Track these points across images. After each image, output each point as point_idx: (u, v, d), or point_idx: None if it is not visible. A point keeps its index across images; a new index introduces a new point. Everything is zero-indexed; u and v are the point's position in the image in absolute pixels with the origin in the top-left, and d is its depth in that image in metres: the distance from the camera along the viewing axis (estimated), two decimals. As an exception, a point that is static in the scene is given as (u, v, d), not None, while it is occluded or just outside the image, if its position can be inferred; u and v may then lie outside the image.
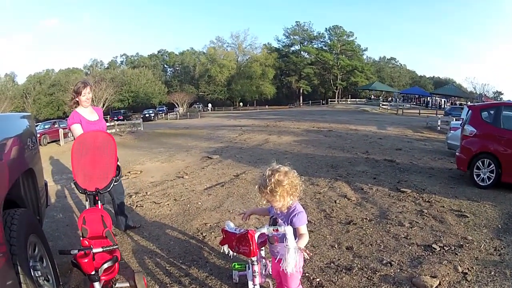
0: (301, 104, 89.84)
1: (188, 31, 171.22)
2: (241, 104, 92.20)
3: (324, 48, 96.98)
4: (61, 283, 3.45)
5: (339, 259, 4.68)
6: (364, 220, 6.18)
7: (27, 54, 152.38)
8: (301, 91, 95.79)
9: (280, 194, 2.99)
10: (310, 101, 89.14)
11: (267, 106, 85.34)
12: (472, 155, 8.80)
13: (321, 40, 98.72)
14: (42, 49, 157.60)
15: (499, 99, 61.56)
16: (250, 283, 3.28)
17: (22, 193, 3.60)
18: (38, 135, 19.58)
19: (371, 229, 5.73)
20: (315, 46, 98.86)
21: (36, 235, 3.28)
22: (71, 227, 6.33)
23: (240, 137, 21.60)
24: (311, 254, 3.39)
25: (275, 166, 3.11)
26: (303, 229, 3.08)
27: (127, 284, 3.89)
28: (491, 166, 8.31)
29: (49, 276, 3.24)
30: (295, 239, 2.95)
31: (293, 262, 2.94)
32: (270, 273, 4.04)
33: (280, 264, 2.97)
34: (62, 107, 69.30)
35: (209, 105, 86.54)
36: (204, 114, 65.53)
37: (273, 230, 3.03)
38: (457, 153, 9.57)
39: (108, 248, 3.20)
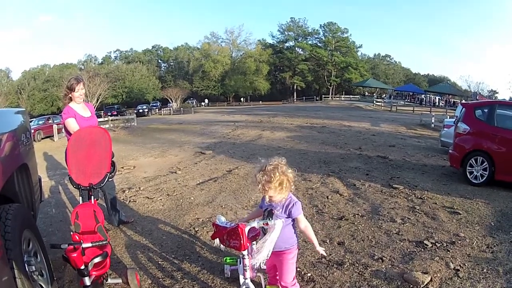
0: (295, 100, 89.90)
1: (182, 26, 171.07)
2: (242, 99, 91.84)
3: (318, 44, 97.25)
4: (55, 278, 3.46)
5: (330, 254, 4.71)
6: (356, 215, 6.22)
7: (21, 50, 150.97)
8: (295, 87, 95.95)
9: (285, 185, 3.05)
10: (304, 97, 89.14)
11: (261, 102, 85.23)
12: (465, 152, 8.86)
13: (316, 36, 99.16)
14: (37, 45, 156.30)
15: (493, 97, 61.80)
16: (241, 277, 3.31)
17: (16, 188, 3.59)
18: (32, 131, 19.55)
19: (363, 225, 5.76)
20: (309, 42, 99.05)
21: (30, 230, 3.28)
22: (65, 222, 6.32)
23: (233, 132, 21.57)
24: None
25: (272, 160, 3.13)
26: (302, 217, 3.19)
27: (120, 280, 3.89)
28: (484, 164, 8.36)
29: (43, 271, 3.24)
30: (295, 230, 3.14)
31: (266, 253, 3.02)
32: (262, 267, 4.07)
33: (257, 255, 3.04)
34: (56, 102, 69.09)
35: (206, 100, 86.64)
36: (198, 109, 65.44)
37: (264, 224, 3.07)
38: (450, 151, 9.63)
39: (98, 243, 3.20)
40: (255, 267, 3.63)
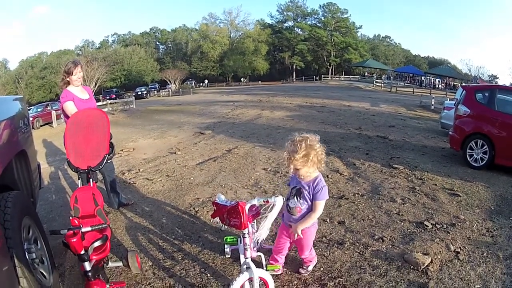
0: (294, 80, 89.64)
1: (180, 7, 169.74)
2: (242, 79, 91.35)
3: (318, 24, 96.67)
4: (56, 265, 3.46)
5: (331, 234, 4.73)
6: (356, 195, 6.22)
7: (18, 42, 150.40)
8: (294, 67, 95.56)
9: (312, 159, 3.06)
10: (303, 77, 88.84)
11: (260, 82, 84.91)
12: (465, 135, 8.85)
13: (315, 16, 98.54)
14: (34, 35, 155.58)
15: (494, 82, 61.63)
16: (241, 257, 3.31)
17: (15, 175, 3.57)
18: (31, 119, 19.50)
19: (363, 204, 5.77)
20: (308, 22, 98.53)
21: (30, 217, 3.26)
22: (65, 208, 6.30)
23: (232, 112, 21.57)
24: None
25: (302, 134, 3.17)
26: (322, 204, 3.21)
27: (120, 263, 3.88)
28: (484, 147, 8.36)
29: (43, 258, 3.23)
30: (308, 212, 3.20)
31: (266, 229, 3.04)
32: (262, 246, 4.07)
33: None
34: (54, 89, 68.85)
35: (206, 81, 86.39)
36: (197, 90, 65.15)
37: (264, 201, 3.06)
38: (450, 132, 9.61)
39: (97, 227, 3.18)
40: (258, 242, 3.64)
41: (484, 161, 8.32)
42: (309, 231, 3.36)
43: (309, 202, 3.23)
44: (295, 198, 3.25)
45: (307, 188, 3.19)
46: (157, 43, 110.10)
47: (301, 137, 3.10)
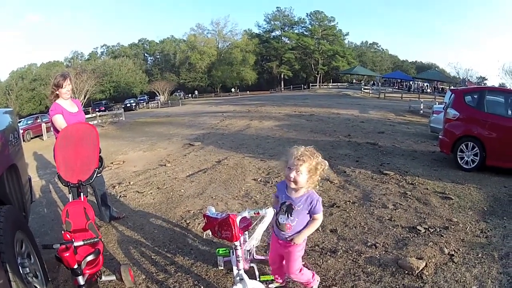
0: (283, 89, 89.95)
1: (168, 19, 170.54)
2: (233, 90, 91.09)
3: (305, 33, 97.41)
4: (49, 279, 3.44)
5: (323, 242, 4.72)
6: (348, 202, 6.23)
7: (8, 51, 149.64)
8: (282, 76, 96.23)
9: (313, 175, 3.08)
10: (291, 86, 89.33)
11: (248, 92, 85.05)
12: (455, 138, 8.94)
13: (302, 25, 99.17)
14: (24, 45, 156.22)
15: (482, 84, 62.15)
16: (234, 268, 3.30)
17: (6, 189, 3.56)
18: (22, 131, 19.37)
19: (354, 212, 5.78)
20: (296, 31, 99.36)
21: (23, 231, 3.24)
22: (57, 222, 6.25)
23: (221, 123, 21.53)
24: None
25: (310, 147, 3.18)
26: (321, 214, 3.19)
27: (114, 277, 3.85)
28: (475, 149, 8.45)
29: (37, 273, 3.21)
30: (305, 226, 3.18)
31: (256, 239, 3.03)
32: (255, 257, 4.07)
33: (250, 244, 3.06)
34: (44, 101, 68.89)
35: (196, 92, 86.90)
36: (186, 101, 65.19)
37: (255, 213, 3.06)
38: (440, 136, 9.70)
39: (89, 241, 3.17)
40: (249, 253, 3.64)
41: (475, 163, 8.41)
42: (299, 246, 3.29)
43: (300, 218, 3.19)
44: (286, 214, 3.21)
45: (300, 204, 3.16)
46: (146, 54, 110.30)
47: (312, 150, 3.13)
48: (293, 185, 3.10)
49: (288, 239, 3.23)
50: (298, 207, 3.15)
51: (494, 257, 4.16)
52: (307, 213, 3.17)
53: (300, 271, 3.38)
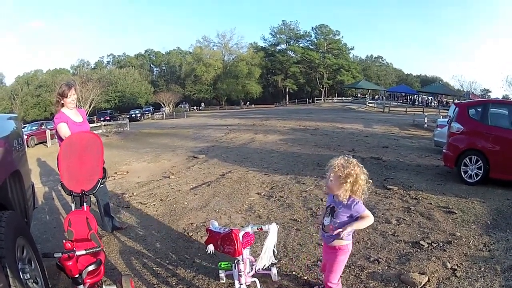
0: (287, 103, 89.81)
1: (175, 30, 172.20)
2: (242, 103, 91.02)
3: (310, 47, 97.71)
4: (49, 286, 3.43)
5: (325, 257, 4.70)
6: (351, 217, 6.20)
7: (15, 55, 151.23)
8: (287, 89, 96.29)
9: (360, 183, 3.17)
10: (296, 100, 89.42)
11: (253, 105, 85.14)
12: (459, 152, 8.90)
13: (308, 39, 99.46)
14: (31, 50, 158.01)
15: (486, 96, 62.21)
16: (236, 283, 3.30)
17: (9, 195, 3.56)
18: (26, 137, 19.41)
19: (357, 227, 5.75)
20: (301, 45, 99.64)
21: (24, 237, 3.24)
22: (59, 229, 6.25)
23: (226, 136, 21.52)
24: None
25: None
26: (368, 212, 3.28)
27: (114, 287, 3.86)
28: (478, 163, 8.41)
29: (37, 279, 3.20)
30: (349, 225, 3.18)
31: (267, 259, 3.02)
32: (256, 271, 4.06)
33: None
34: (49, 108, 68.79)
35: (202, 104, 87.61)
36: (190, 113, 65.22)
37: (257, 229, 3.07)
38: (444, 150, 9.66)
39: (91, 251, 3.17)
40: (252, 267, 3.63)
41: (479, 177, 8.36)
42: (342, 251, 3.33)
43: (342, 220, 3.24)
44: (329, 216, 3.29)
45: (341, 206, 3.23)
46: (151, 65, 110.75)
47: (355, 162, 3.22)
48: (327, 190, 3.32)
49: (331, 239, 3.27)
50: (339, 209, 3.23)
51: (496, 271, 4.15)
52: (348, 216, 3.23)
53: (338, 280, 3.42)
